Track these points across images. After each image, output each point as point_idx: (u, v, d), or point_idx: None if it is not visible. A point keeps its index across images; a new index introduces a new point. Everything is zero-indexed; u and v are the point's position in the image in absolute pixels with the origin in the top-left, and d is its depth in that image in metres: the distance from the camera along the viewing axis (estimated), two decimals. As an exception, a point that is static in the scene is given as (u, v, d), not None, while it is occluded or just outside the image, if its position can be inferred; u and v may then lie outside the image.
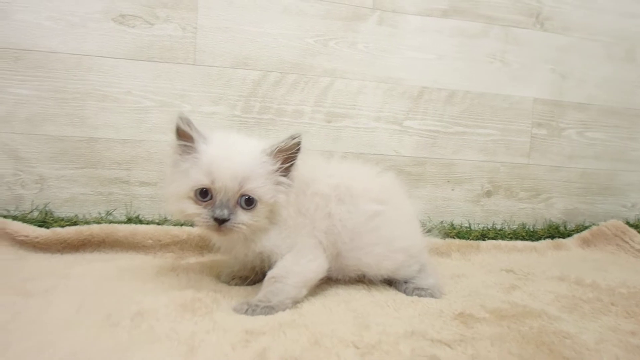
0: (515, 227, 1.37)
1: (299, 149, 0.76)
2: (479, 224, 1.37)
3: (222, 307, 0.73)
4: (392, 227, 0.85)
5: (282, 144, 0.75)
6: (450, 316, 0.74)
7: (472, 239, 1.25)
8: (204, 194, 0.72)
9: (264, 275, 0.77)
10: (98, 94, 1.16)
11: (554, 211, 1.44)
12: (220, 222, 0.71)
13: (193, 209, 0.73)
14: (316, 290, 0.81)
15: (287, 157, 0.76)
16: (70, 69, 1.15)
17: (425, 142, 1.33)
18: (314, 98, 1.26)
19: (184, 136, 0.75)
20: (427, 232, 0.99)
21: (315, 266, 0.78)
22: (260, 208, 0.74)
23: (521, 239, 1.29)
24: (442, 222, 1.32)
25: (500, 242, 1.23)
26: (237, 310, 0.71)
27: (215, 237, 0.81)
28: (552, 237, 1.32)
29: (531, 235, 1.33)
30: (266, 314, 0.70)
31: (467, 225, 1.34)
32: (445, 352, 0.62)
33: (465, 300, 0.83)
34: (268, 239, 0.77)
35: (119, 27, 1.16)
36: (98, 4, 1.15)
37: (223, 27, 1.21)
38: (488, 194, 1.38)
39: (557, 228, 1.38)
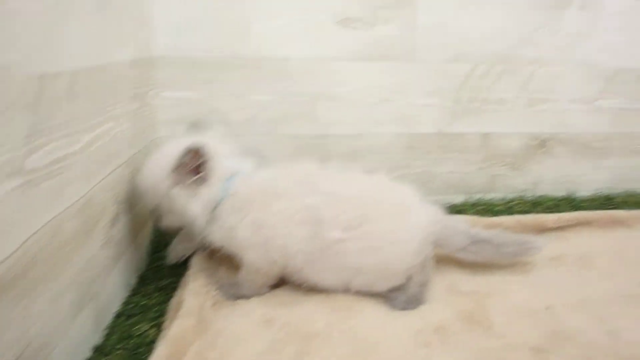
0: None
1: (203, 160, 0.80)
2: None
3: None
4: (361, 253, 0.82)
5: (178, 161, 0.80)
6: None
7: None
8: None
9: None
10: (327, 94, 1.27)
11: None
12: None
13: None
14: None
15: (196, 166, 0.81)
16: (303, 73, 1.24)
17: (614, 120, 1.42)
18: (518, 86, 1.34)
19: None
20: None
21: None
22: (166, 216, 0.87)
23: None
24: (624, 191, 1.46)
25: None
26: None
27: None
28: None
29: None
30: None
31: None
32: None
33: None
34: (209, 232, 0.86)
35: (343, 30, 1.24)
36: (325, 9, 1.21)
37: (439, 24, 1.26)
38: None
39: None
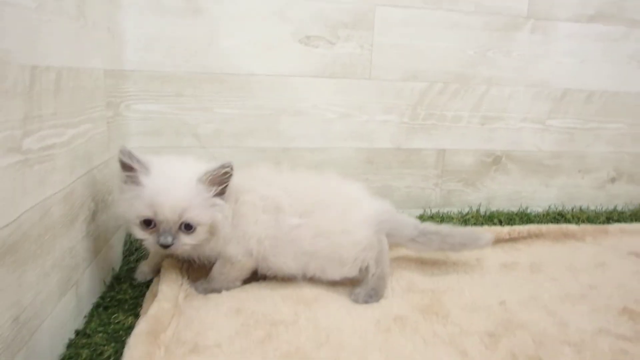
0: (633, 208, 1.58)
1: (230, 175, 0.85)
2: (601, 205, 1.57)
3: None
4: (315, 238, 0.92)
5: (214, 172, 0.83)
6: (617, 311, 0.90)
7: (600, 222, 1.45)
8: (148, 222, 0.82)
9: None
10: (290, 110, 1.33)
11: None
12: (166, 246, 0.82)
13: (140, 234, 0.83)
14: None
15: (221, 181, 0.85)
16: (267, 89, 1.30)
17: (563, 138, 1.50)
18: (472, 104, 1.42)
19: (127, 168, 0.82)
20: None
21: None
22: (199, 230, 0.84)
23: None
24: (572, 208, 1.53)
25: (625, 225, 1.43)
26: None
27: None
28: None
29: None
30: None
31: (593, 208, 1.55)
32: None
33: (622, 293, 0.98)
34: (210, 245, 0.89)
35: (305, 48, 1.30)
36: (287, 27, 1.28)
37: (396, 44, 1.33)
38: (612, 180, 1.56)
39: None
